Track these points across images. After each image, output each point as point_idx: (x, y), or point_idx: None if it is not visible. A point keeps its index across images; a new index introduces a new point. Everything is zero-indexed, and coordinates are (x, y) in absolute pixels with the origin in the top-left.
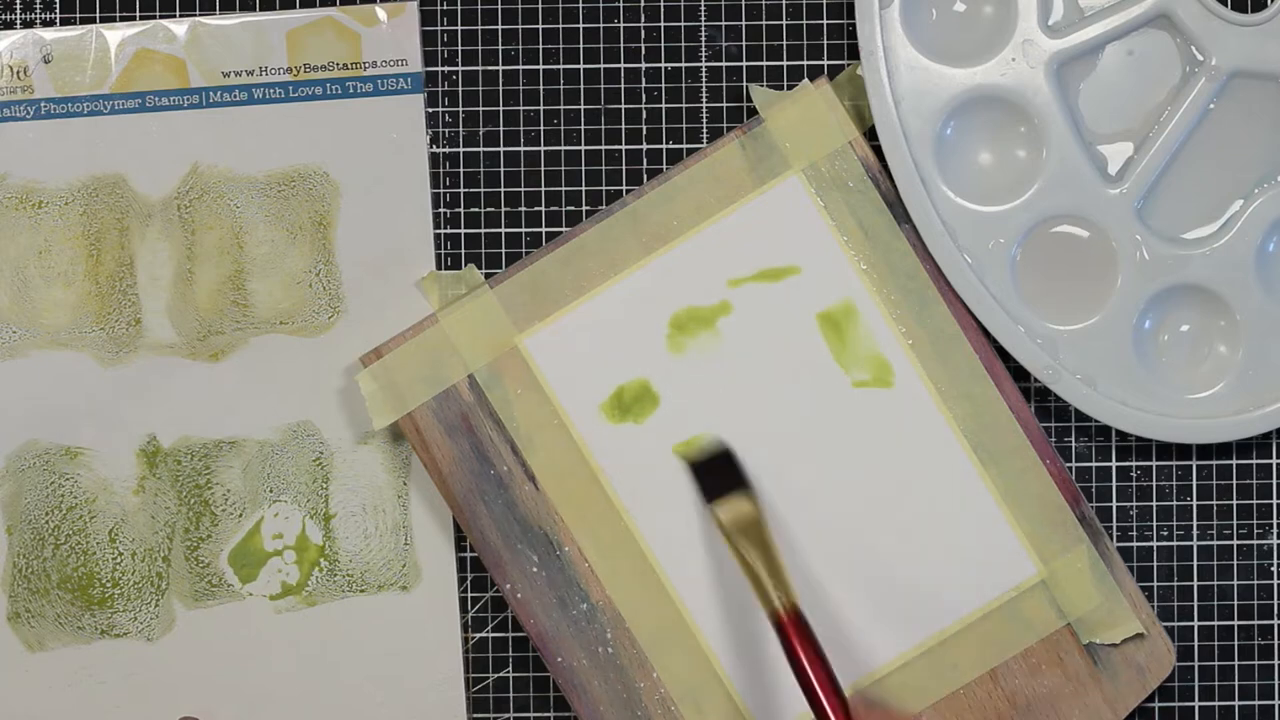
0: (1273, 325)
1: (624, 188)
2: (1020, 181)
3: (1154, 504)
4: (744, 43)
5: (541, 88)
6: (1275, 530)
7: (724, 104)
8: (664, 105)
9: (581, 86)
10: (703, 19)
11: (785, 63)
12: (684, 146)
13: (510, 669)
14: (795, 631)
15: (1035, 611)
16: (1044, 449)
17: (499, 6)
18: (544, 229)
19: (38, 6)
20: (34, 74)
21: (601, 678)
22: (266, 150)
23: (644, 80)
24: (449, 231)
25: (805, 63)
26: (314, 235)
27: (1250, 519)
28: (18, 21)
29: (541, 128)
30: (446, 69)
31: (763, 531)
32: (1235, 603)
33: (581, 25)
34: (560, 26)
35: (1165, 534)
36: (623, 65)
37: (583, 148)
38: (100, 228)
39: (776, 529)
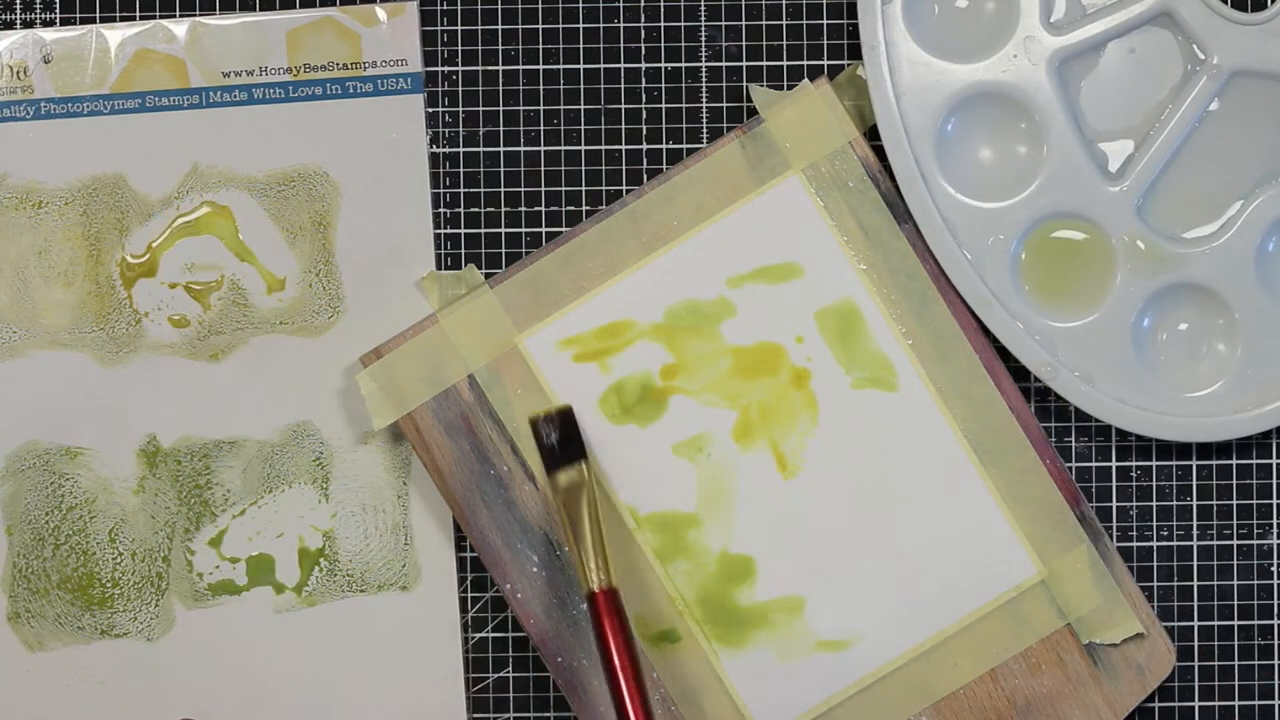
0: (1271, 324)
1: (624, 188)
2: (1020, 178)
3: (1154, 504)
4: (744, 43)
5: (541, 88)
6: (1275, 530)
7: (724, 104)
8: (664, 105)
9: (581, 86)
10: (703, 19)
11: (785, 63)
12: (684, 146)
13: (510, 669)
14: (607, 610)
15: (1035, 611)
16: (1044, 449)
17: (499, 6)
18: (544, 229)
19: (38, 6)
20: (34, 74)
21: (601, 678)
22: (266, 150)
23: (644, 80)
24: (449, 231)
25: (805, 63)
26: (314, 235)
27: (1250, 519)
28: (18, 21)
29: (541, 128)
30: (446, 69)
31: (591, 503)
32: (1235, 603)
33: (581, 25)
34: (560, 26)
35: (1165, 534)
36: (623, 65)
37: (583, 148)
38: (100, 228)
39: (776, 524)
